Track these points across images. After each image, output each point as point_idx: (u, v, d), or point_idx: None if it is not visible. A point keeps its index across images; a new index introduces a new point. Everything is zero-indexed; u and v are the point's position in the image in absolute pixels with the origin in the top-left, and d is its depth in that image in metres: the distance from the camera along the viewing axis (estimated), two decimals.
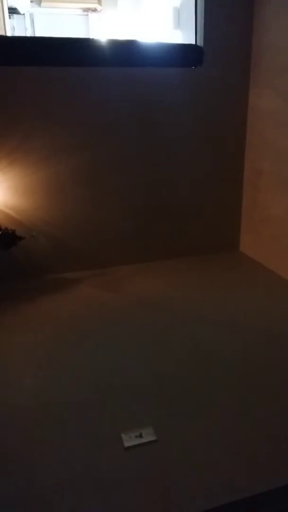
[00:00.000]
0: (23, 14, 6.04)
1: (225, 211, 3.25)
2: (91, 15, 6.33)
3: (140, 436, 1.53)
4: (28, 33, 6.16)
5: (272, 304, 2.52)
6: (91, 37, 3.09)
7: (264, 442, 1.52)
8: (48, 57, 2.57)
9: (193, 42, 2.89)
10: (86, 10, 6.28)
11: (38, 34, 6.15)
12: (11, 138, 2.62)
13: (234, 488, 1.35)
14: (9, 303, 2.58)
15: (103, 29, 6.16)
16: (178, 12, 3.40)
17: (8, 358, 2.07)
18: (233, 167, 3.17)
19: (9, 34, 4.94)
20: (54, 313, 2.47)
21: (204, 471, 1.41)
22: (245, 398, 1.74)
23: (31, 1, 6.03)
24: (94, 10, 6.23)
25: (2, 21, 4.62)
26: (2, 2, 4.54)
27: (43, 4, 6.04)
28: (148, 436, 1.53)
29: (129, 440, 1.51)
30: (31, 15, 6.20)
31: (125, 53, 2.71)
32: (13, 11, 5.67)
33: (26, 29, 6.19)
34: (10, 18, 5.46)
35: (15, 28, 6.01)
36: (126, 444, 1.50)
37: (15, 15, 5.94)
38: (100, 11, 6.21)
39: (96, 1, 6.11)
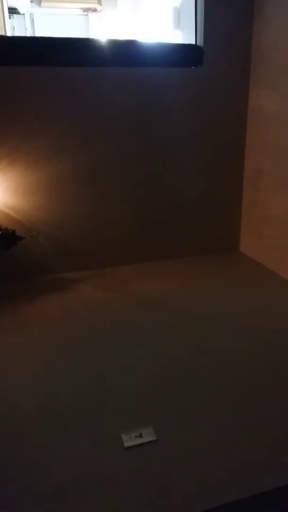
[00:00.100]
0: (23, 14, 6.04)
1: (225, 211, 3.25)
2: (91, 15, 6.33)
3: (140, 436, 1.53)
4: (28, 33, 6.16)
5: (272, 304, 2.52)
6: (91, 37, 3.09)
7: (264, 442, 1.52)
8: (48, 57, 2.57)
9: (193, 42, 2.89)
10: (86, 10, 6.28)
11: (38, 34, 6.14)
12: (11, 138, 2.62)
13: (234, 488, 1.35)
14: (9, 303, 2.58)
15: (103, 29, 6.16)
16: (178, 12, 3.39)
17: (8, 358, 2.07)
18: (233, 167, 3.17)
19: (9, 34, 4.94)
20: (54, 313, 2.47)
21: (204, 471, 1.41)
22: (246, 397, 1.74)
23: (31, 1, 6.02)
24: (94, 10, 6.22)
25: (2, 21, 4.62)
26: (2, 2, 4.54)
27: (43, 4, 6.03)
28: (148, 436, 1.53)
29: (129, 440, 1.51)
30: (31, 15, 6.19)
31: (125, 53, 2.71)
32: (13, 11, 5.67)
33: (26, 29, 6.18)
34: (10, 18, 5.46)
35: (15, 28, 6.01)
36: (126, 444, 1.50)
37: (15, 15, 5.93)
38: (100, 11, 6.21)
39: (96, 1, 6.10)
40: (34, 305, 2.56)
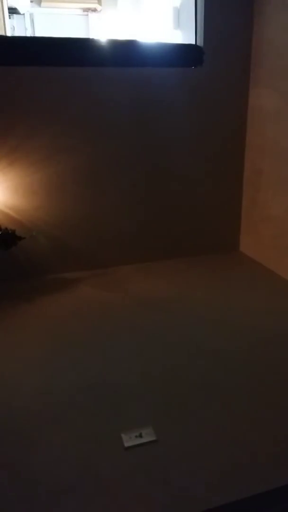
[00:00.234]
0: (23, 14, 6.04)
1: (225, 211, 3.25)
2: (91, 15, 6.33)
3: (140, 436, 1.53)
4: (28, 33, 6.16)
5: (272, 304, 2.52)
6: (91, 37, 3.09)
7: (264, 442, 1.52)
8: (48, 57, 2.57)
9: (193, 42, 2.89)
10: (86, 10, 6.28)
11: (38, 34, 6.14)
12: (11, 138, 2.62)
13: (234, 488, 1.35)
14: (9, 303, 2.58)
15: (103, 29, 6.16)
16: (178, 12, 3.39)
17: (8, 358, 2.07)
18: (233, 167, 3.17)
19: (9, 34, 4.94)
20: (54, 313, 2.47)
21: (204, 471, 1.41)
22: (245, 397, 1.74)
23: (31, 1, 6.02)
24: (94, 10, 6.22)
25: (2, 21, 4.62)
26: (2, 2, 4.54)
27: (43, 4, 6.04)
28: (148, 436, 1.53)
29: (129, 440, 1.51)
30: (31, 15, 6.20)
31: (125, 53, 2.71)
32: (13, 11, 5.67)
33: (26, 29, 6.18)
34: (10, 18, 5.46)
35: (15, 28, 6.01)
36: (126, 444, 1.50)
37: (15, 15, 5.94)
38: (100, 11, 6.21)
39: (96, 1, 6.11)
40: (34, 305, 2.56)
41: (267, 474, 1.40)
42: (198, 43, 2.86)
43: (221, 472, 1.40)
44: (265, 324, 2.32)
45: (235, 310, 2.47)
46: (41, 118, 2.65)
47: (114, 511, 1.29)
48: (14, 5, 5.48)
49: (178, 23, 3.42)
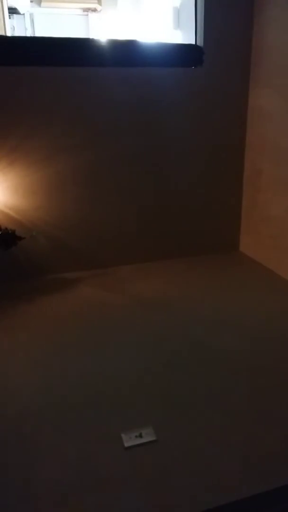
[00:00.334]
0: (23, 14, 6.04)
1: (225, 211, 3.25)
2: (91, 15, 6.33)
3: (140, 436, 1.53)
4: (28, 33, 6.16)
5: (272, 304, 2.52)
6: (91, 37, 3.09)
7: (264, 442, 1.52)
8: (48, 57, 2.57)
9: (193, 42, 2.89)
10: (86, 10, 6.28)
11: (38, 34, 6.14)
12: (11, 138, 2.62)
13: (234, 488, 1.35)
14: (9, 303, 2.58)
15: (103, 29, 6.15)
16: (178, 12, 3.39)
17: (8, 358, 2.07)
18: (233, 167, 3.17)
19: (9, 34, 4.94)
20: (54, 313, 2.47)
21: (204, 471, 1.41)
22: (245, 397, 1.74)
23: (31, 1, 6.02)
24: (94, 10, 6.22)
25: (2, 21, 4.62)
26: (2, 2, 4.54)
27: (43, 4, 6.03)
28: (148, 436, 1.53)
29: (129, 440, 1.51)
30: (31, 15, 6.19)
31: (125, 53, 2.71)
32: (13, 11, 5.67)
33: (26, 29, 6.18)
34: (10, 18, 5.46)
35: (15, 28, 6.01)
36: (126, 444, 1.50)
37: (15, 15, 5.93)
38: (100, 11, 6.20)
39: (96, 1, 6.10)
40: (34, 305, 2.56)
41: (267, 474, 1.40)
42: (198, 43, 2.86)
43: (221, 472, 1.40)
44: (265, 324, 2.32)
45: (235, 310, 2.47)
46: (41, 118, 2.65)
47: (114, 511, 1.29)
48: (14, 5, 5.48)
49: (178, 23, 3.42)
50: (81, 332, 2.27)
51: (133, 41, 2.75)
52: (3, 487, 1.37)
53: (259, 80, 2.89)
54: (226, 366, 1.95)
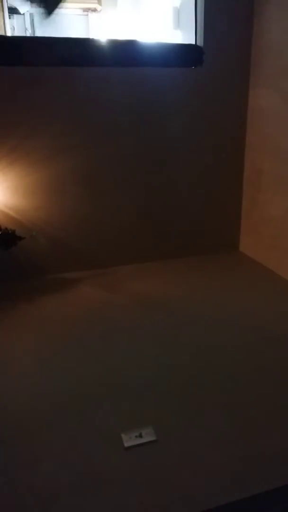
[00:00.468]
0: (23, 14, 6.03)
1: (225, 211, 3.25)
2: (91, 15, 6.32)
3: (140, 436, 1.53)
4: (28, 33, 6.15)
5: (272, 304, 2.52)
6: (91, 37, 3.09)
7: (264, 442, 1.52)
8: (48, 57, 2.57)
9: (193, 42, 2.89)
10: (86, 10, 6.28)
11: (38, 34, 6.14)
12: (11, 138, 2.62)
13: (234, 488, 1.35)
14: (9, 303, 2.58)
15: (103, 29, 6.15)
16: (178, 12, 3.39)
17: (8, 358, 2.07)
18: (233, 167, 3.17)
19: (9, 34, 4.94)
20: (54, 313, 2.47)
21: (204, 471, 1.41)
22: (245, 397, 1.74)
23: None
24: (94, 10, 6.22)
25: (2, 21, 4.62)
26: (2, 2, 4.54)
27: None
28: (148, 436, 1.53)
29: (129, 440, 1.51)
30: (31, 15, 6.19)
31: (125, 53, 2.71)
32: (13, 11, 5.66)
33: (26, 29, 6.18)
34: (10, 18, 5.45)
35: (15, 28, 6.00)
36: (126, 444, 1.50)
37: (15, 15, 5.93)
38: (100, 11, 6.20)
39: (96, 1, 6.10)
40: (34, 305, 2.56)
41: (267, 474, 1.40)
42: (198, 43, 2.86)
43: (221, 472, 1.40)
44: (265, 323, 2.32)
45: (235, 310, 2.47)
46: (41, 118, 2.65)
47: (114, 511, 1.29)
48: (14, 5, 5.47)
49: (178, 23, 3.42)
50: (81, 332, 2.27)
51: (133, 41, 2.75)
52: (3, 486, 1.37)
53: (259, 80, 2.89)
54: (226, 366, 1.95)
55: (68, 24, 6.30)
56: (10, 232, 2.62)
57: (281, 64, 2.63)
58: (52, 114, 2.67)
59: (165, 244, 3.18)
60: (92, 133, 2.78)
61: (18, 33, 5.98)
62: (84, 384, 1.85)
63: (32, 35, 6.06)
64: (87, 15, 6.34)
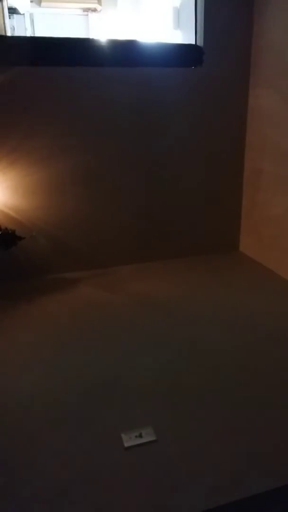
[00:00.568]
0: (23, 14, 6.03)
1: (225, 211, 3.25)
2: (91, 15, 6.32)
3: (140, 436, 1.53)
4: (28, 33, 6.16)
5: (272, 304, 2.52)
6: (91, 37, 3.09)
7: (264, 442, 1.52)
8: (48, 57, 2.57)
9: (193, 42, 2.89)
10: (86, 10, 6.28)
11: (38, 34, 6.14)
12: (11, 138, 2.62)
13: (234, 488, 1.35)
14: (9, 303, 2.58)
15: (103, 29, 6.15)
16: (178, 12, 3.39)
17: (8, 358, 2.07)
18: (233, 167, 3.17)
19: (9, 34, 4.94)
20: (54, 313, 2.47)
21: (204, 471, 1.41)
22: (245, 397, 1.74)
23: (31, 1, 6.02)
24: (94, 10, 6.22)
25: (2, 21, 4.61)
26: (2, 2, 4.53)
27: (43, 4, 6.03)
28: (148, 436, 1.53)
29: (129, 440, 1.51)
30: (31, 15, 6.19)
31: (125, 53, 2.71)
32: (13, 11, 5.66)
33: (26, 29, 6.18)
34: (10, 18, 5.46)
35: (15, 28, 6.00)
36: (126, 444, 1.50)
37: (15, 15, 5.93)
38: (100, 11, 6.20)
39: (96, 1, 6.10)
40: (34, 305, 2.56)
41: (267, 474, 1.40)
42: (198, 43, 2.86)
43: (221, 472, 1.40)
44: (265, 324, 2.32)
45: (235, 310, 2.47)
46: (41, 118, 2.65)
47: (114, 511, 1.29)
48: (14, 5, 5.48)
49: (178, 23, 3.42)
50: (81, 332, 2.27)
51: (133, 41, 2.75)
52: (3, 487, 1.37)
53: (259, 80, 2.89)
54: (226, 366, 1.95)
55: (68, 24, 6.30)
56: (10, 232, 2.62)
57: (281, 64, 2.63)
58: (52, 114, 2.67)
59: (165, 244, 3.18)
60: (92, 133, 2.78)
61: (18, 33, 5.98)
62: (84, 384, 1.85)
63: (32, 35, 6.06)
64: (87, 15, 6.34)
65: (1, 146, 2.62)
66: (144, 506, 1.30)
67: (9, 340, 2.22)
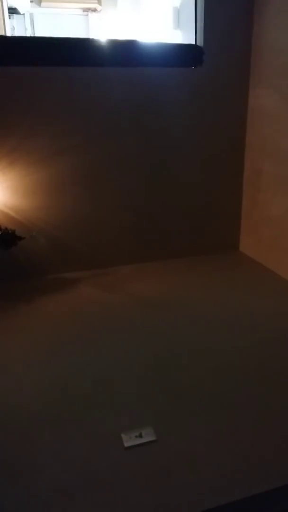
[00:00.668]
0: (23, 14, 6.04)
1: (225, 211, 3.25)
2: (91, 15, 6.33)
3: (140, 436, 1.53)
4: (28, 33, 6.16)
5: (272, 304, 2.52)
6: (91, 37, 3.09)
7: (264, 442, 1.52)
8: (48, 57, 2.57)
9: (193, 42, 2.89)
10: (86, 10, 6.28)
11: (38, 34, 6.15)
12: (11, 138, 2.62)
13: (234, 488, 1.35)
14: (9, 303, 2.58)
15: (103, 29, 6.16)
16: (178, 12, 3.39)
17: (8, 358, 2.07)
18: (233, 167, 3.17)
19: (9, 34, 4.94)
20: (54, 313, 2.47)
21: (204, 471, 1.41)
22: (245, 397, 1.74)
23: (31, 1, 6.02)
24: (94, 10, 6.23)
25: (2, 21, 4.62)
26: (2, 2, 4.54)
27: (43, 4, 6.03)
28: (148, 436, 1.53)
29: (129, 440, 1.51)
30: (31, 15, 6.20)
31: (125, 53, 2.71)
32: (13, 11, 5.67)
33: (26, 29, 6.19)
34: (10, 18, 5.46)
35: (15, 28, 6.01)
36: (126, 444, 1.50)
37: (15, 15, 5.94)
38: (100, 11, 6.21)
39: (96, 1, 6.11)
40: (34, 305, 2.56)
41: (267, 474, 1.40)
42: (198, 43, 2.85)
43: (221, 472, 1.40)
44: (265, 324, 2.32)
45: (235, 310, 2.47)
46: (41, 118, 2.65)
47: (114, 511, 1.29)
48: (14, 5, 5.48)
49: (178, 23, 3.42)
50: (81, 332, 2.27)
51: (133, 41, 2.74)
52: (2, 487, 1.37)
53: (259, 80, 2.89)
54: (226, 366, 1.95)
55: (68, 24, 6.31)
56: (10, 232, 2.62)
57: (281, 64, 2.63)
58: (52, 114, 2.67)
59: (165, 244, 3.18)
60: (92, 133, 2.78)
61: (18, 33, 5.99)
62: (84, 384, 1.85)
63: (32, 35, 6.06)
64: (87, 15, 6.35)
65: (1, 146, 2.62)
66: (144, 506, 1.30)
67: (9, 340, 2.22)
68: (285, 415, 1.65)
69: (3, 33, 4.55)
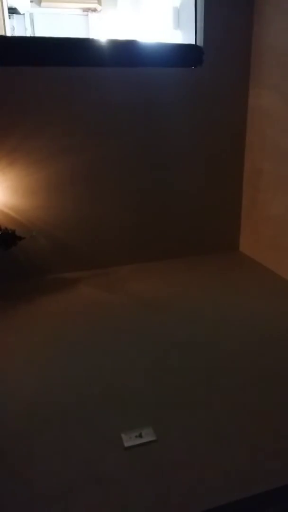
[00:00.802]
0: (23, 14, 6.04)
1: (225, 211, 3.25)
2: (91, 15, 6.33)
3: (140, 436, 1.53)
4: (28, 33, 6.16)
5: (272, 304, 2.52)
6: (91, 37, 3.09)
7: (264, 442, 1.52)
8: (48, 57, 2.57)
9: (193, 42, 2.89)
10: (86, 10, 6.28)
11: (38, 34, 6.15)
12: (11, 138, 2.62)
13: (234, 488, 1.35)
14: (9, 303, 2.58)
15: (103, 29, 6.16)
16: (178, 12, 3.39)
17: (8, 358, 2.07)
18: (233, 167, 3.17)
19: (9, 34, 4.94)
20: (54, 313, 2.47)
21: (204, 471, 1.41)
22: (245, 397, 1.74)
23: (31, 1, 6.03)
24: (94, 10, 6.23)
25: (2, 21, 4.62)
26: (2, 2, 4.54)
27: (43, 4, 6.04)
28: (148, 436, 1.53)
29: (129, 440, 1.51)
30: (31, 15, 6.20)
31: (125, 53, 2.71)
32: (13, 11, 5.67)
33: (26, 29, 6.19)
34: (10, 18, 5.46)
35: (15, 28, 6.01)
36: (126, 444, 1.50)
37: (15, 15, 5.94)
38: (100, 11, 6.21)
39: (96, 1, 6.11)
40: (34, 305, 2.56)
41: (267, 474, 1.40)
42: (198, 43, 2.85)
43: (221, 472, 1.40)
44: (265, 324, 2.32)
45: (235, 310, 2.47)
46: (41, 118, 2.65)
47: (114, 511, 1.29)
48: (14, 5, 5.48)
49: (178, 23, 3.42)
50: (81, 332, 2.27)
51: (133, 41, 2.74)
52: (3, 486, 1.37)
53: (259, 80, 2.89)
54: (226, 366, 1.95)
55: (68, 24, 6.31)
56: (10, 232, 2.62)
57: (281, 64, 2.63)
58: (52, 114, 2.67)
59: (165, 244, 3.18)
60: (92, 133, 2.78)
61: (18, 33, 5.99)
62: (84, 384, 1.85)
63: (32, 35, 6.06)
64: (87, 15, 6.35)
65: (1, 146, 2.62)
66: (144, 506, 1.30)
67: (9, 339, 2.22)
68: (285, 415, 1.65)
69: (3, 33, 4.55)
